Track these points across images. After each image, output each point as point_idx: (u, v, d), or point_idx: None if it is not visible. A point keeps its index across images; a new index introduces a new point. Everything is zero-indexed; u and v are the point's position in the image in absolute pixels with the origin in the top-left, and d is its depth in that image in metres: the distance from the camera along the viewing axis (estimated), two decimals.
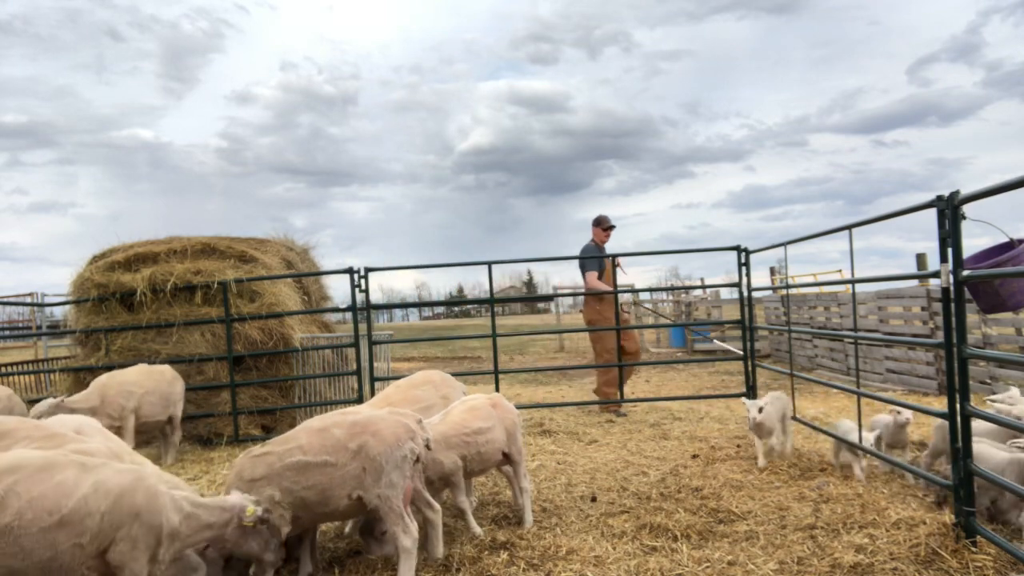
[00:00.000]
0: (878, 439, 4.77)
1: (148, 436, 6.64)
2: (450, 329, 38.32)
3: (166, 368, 6.60)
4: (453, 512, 4.24)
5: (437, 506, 3.70)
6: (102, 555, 2.63)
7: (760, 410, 5.10)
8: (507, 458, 4.24)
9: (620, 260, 8.69)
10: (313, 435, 3.37)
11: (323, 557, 3.78)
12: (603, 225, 8.67)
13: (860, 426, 4.66)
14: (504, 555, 3.65)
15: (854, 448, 4.75)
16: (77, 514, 2.54)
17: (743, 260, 7.14)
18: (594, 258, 8.39)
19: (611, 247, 8.75)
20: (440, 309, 73.19)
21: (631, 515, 4.25)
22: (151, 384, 6.22)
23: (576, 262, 8.62)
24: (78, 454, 2.80)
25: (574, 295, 12.13)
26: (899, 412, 4.70)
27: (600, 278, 8.44)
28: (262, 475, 3.25)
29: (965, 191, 3.32)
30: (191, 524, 2.89)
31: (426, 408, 4.47)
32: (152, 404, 6.17)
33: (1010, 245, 3.89)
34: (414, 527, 3.35)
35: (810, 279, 14.62)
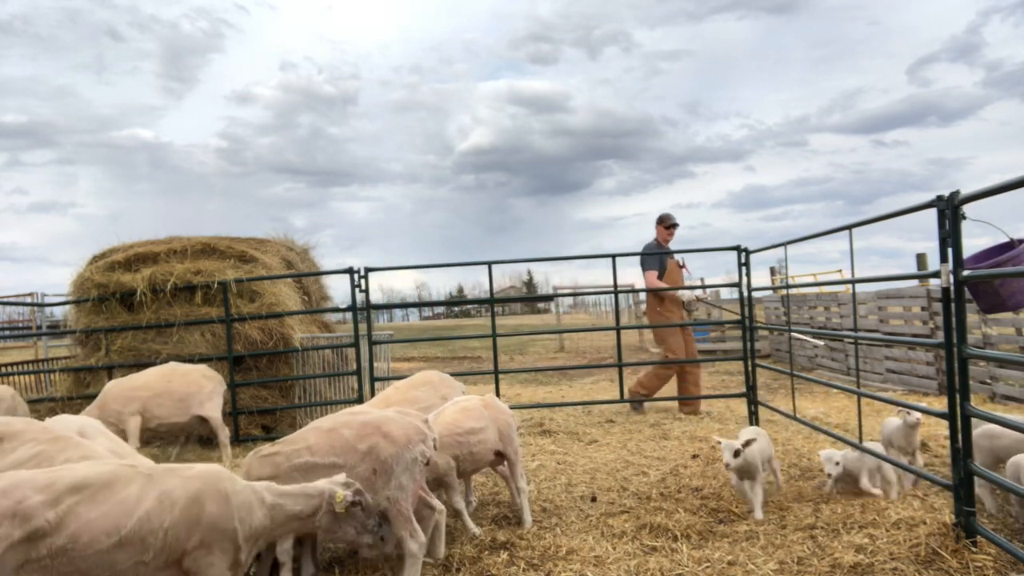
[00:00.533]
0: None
1: (170, 438, 6.48)
2: (450, 329, 38.29)
3: (194, 368, 6.42)
4: (452, 512, 4.24)
5: (441, 506, 3.70)
6: (177, 563, 2.57)
7: (736, 454, 4.06)
8: (501, 457, 4.24)
9: (685, 260, 8.18)
10: (322, 435, 3.35)
11: (323, 557, 3.79)
12: (665, 223, 8.31)
13: (860, 425, 4.66)
14: (504, 555, 3.65)
15: (889, 466, 4.39)
16: (137, 534, 2.46)
17: (743, 260, 7.14)
18: (654, 255, 7.97)
19: (612, 246, 8.85)
20: (440, 309, 73.12)
21: (631, 515, 4.26)
22: (162, 386, 6.07)
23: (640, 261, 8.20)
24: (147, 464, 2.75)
25: (574, 295, 12.04)
26: (908, 413, 4.44)
27: (661, 278, 8.04)
28: (269, 475, 3.23)
29: (965, 191, 3.32)
30: (276, 516, 2.79)
31: (425, 409, 4.47)
32: (163, 406, 6.00)
33: (1010, 245, 3.89)
34: (421, 532, 3.33)
35: (810, 279, 14.63)
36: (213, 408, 6.32)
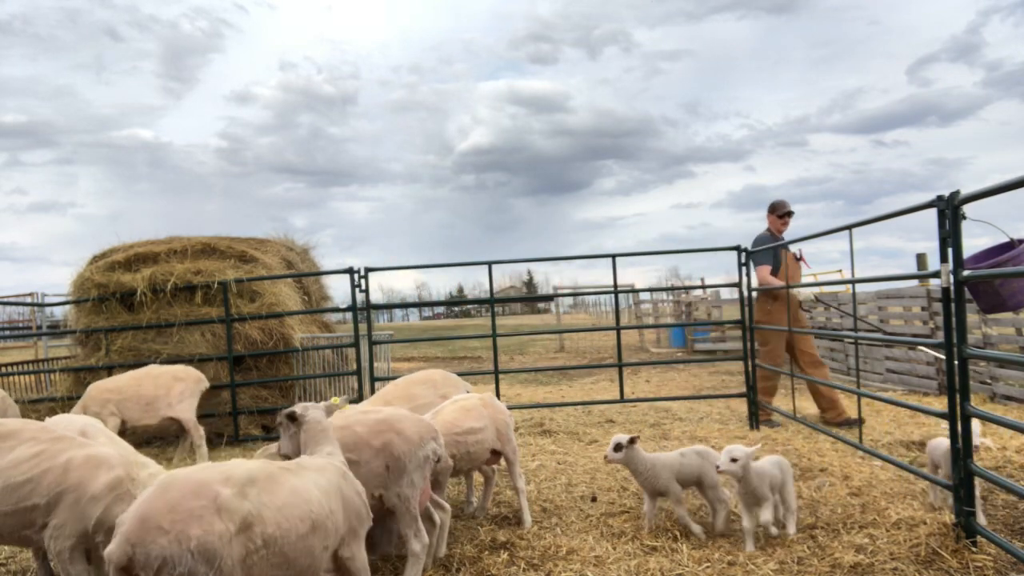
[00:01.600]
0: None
1: (144, 437, 6.47)
2: (450, 329, 38.29)
3: (167, 370, 6.42)
4: (454, 512, 4.24)
5: (447, 506, 3.70)
6: (336, 553, 2.66)
7: (734, 460, 3.49)
8: (496, 456, 4.24)
9: (803, 252, 7.20)
10: (334, 433, 3.35)
11: None
12: (778, 212, 7.38)
13: (861, 429, 4.66)
14: (504, 555, 3.65)
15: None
16: (320, 518, 2.51)
17: (743, 260, 7.14)
18: (767, 249, 6.98)
19: (612, 246, 8.67)
20: (440, 309, 73.18)
21: (631, 515, 4.26)
22: (132, 390, 6.07)
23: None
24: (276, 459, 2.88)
25: (574, 295, 11.97)
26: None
27: (775, 273, 7.03)
28: None
29: (965, 191, 3.32)
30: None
31: (422, 407, 4.47)
32: (131, 409, 6.01)
33: (1010, 245, 3.89)
34: (425, 533, 3.33)
35: (810, 279, 14.61)
36: (184, 410, 6.25)
